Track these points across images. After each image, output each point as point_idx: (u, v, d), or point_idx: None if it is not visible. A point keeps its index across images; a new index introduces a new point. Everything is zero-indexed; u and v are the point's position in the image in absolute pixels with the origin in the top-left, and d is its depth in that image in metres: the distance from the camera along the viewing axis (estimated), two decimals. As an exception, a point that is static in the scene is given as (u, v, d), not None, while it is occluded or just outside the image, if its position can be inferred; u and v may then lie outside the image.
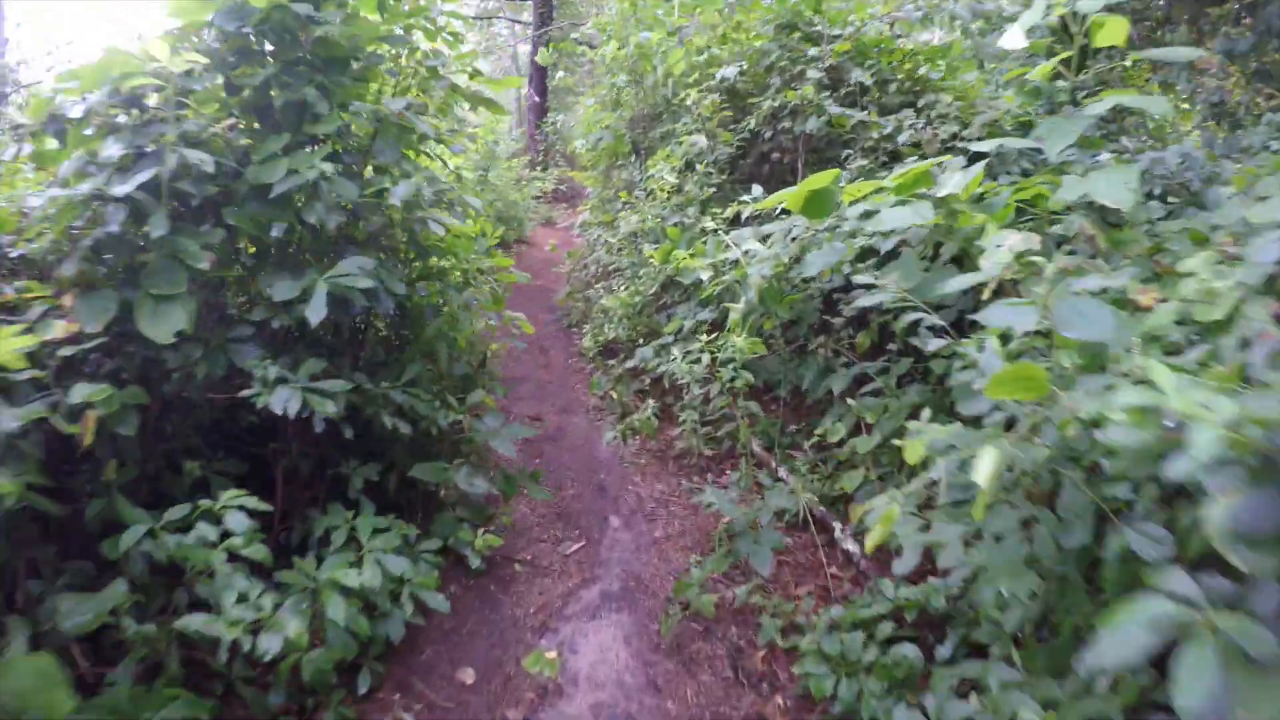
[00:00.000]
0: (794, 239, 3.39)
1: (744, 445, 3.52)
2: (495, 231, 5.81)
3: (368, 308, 2.60)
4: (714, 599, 3.18)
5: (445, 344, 3.05)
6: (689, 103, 5.74)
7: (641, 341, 5.38)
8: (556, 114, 12.18)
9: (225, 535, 2.28)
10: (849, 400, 3.74)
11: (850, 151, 4.95)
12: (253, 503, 2.34)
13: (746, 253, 3.75)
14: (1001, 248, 2.88)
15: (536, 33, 14.67)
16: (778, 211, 4.45)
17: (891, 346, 3.91)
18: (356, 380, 2.82)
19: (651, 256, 4.54)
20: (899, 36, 6.37)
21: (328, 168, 2.36)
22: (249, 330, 2.59)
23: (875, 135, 4.89)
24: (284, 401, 2.32)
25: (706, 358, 3.43)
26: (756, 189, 4.21)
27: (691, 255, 4.25)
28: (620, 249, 6.38)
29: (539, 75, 15.42)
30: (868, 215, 3.14)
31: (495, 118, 11.54)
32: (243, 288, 2.75)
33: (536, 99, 15.51)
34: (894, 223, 2.95)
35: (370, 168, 2.88)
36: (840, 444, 3.79)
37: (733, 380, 3.30)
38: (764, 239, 3.98)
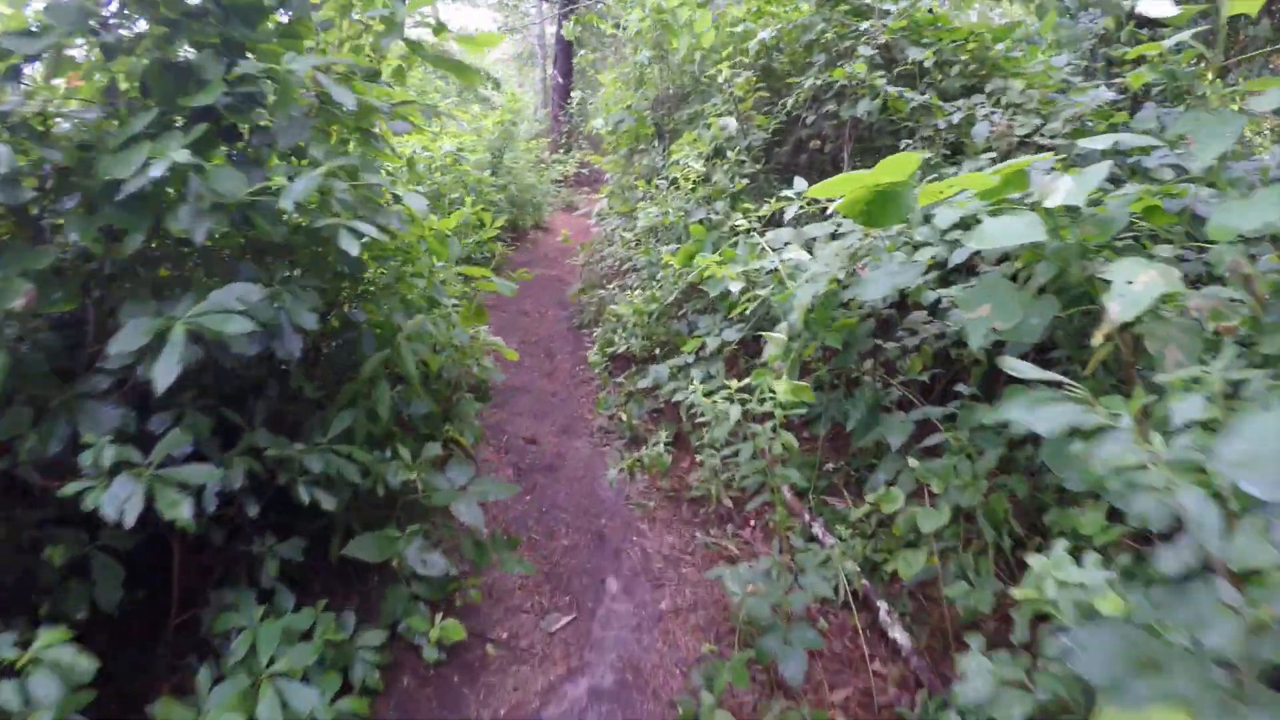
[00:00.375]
0: (849, 248, 2.54)
1: (781, 524, 2.71)
2: (495, 221, 5.03)
3: (266, 351, 1.82)
4: (729, 717, 2.40)
5: (390, 383, 2.26)
6: (720, 80, 4.86)
7: (658, 352, 4.57)
8: (580, 91, 11.28)
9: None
10: (909, 458, 2.90)
11: (909, 141, 4.05)
12: (69, 656, 1.57)
13: (787, 262, 2.91)
14: (1134, 285, 2.03)
15: (562, 10, 13.72)
16: (828, 209, 3.60)
17: (963, 388, 3.06)
18: (261, 442, 2.04)
19: (670, 261, 3.70)
20: (955, 16, 5.43)
21: (182, 155, 1.56)
22: (106, 382, 1.81)
23: (941, 123, 3.99)
24: (119, 503, 1.55)
25: (736, 410, 2.59)
26: (800, 182, 3.36)
27: (719, 261, 3.42)
28: (638, 243, 5.54)
29: (564, 55, 14.49)
30: (965, 225, 2.28)
31: (516, 97, 10.69)
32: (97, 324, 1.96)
33: (560, 79, 14.59)
34: (1001, 238, 2.11)
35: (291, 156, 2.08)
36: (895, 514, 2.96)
37: (771, 442, 2.47)
38: (809, 245, 3.14)
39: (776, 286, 2.90)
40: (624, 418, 4.18)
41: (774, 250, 3.17)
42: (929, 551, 2.84)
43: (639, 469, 3.66)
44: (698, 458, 3.38)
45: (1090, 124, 4.03)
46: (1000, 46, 4.64)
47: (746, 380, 2.59)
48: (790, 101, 4.79)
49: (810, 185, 3.92)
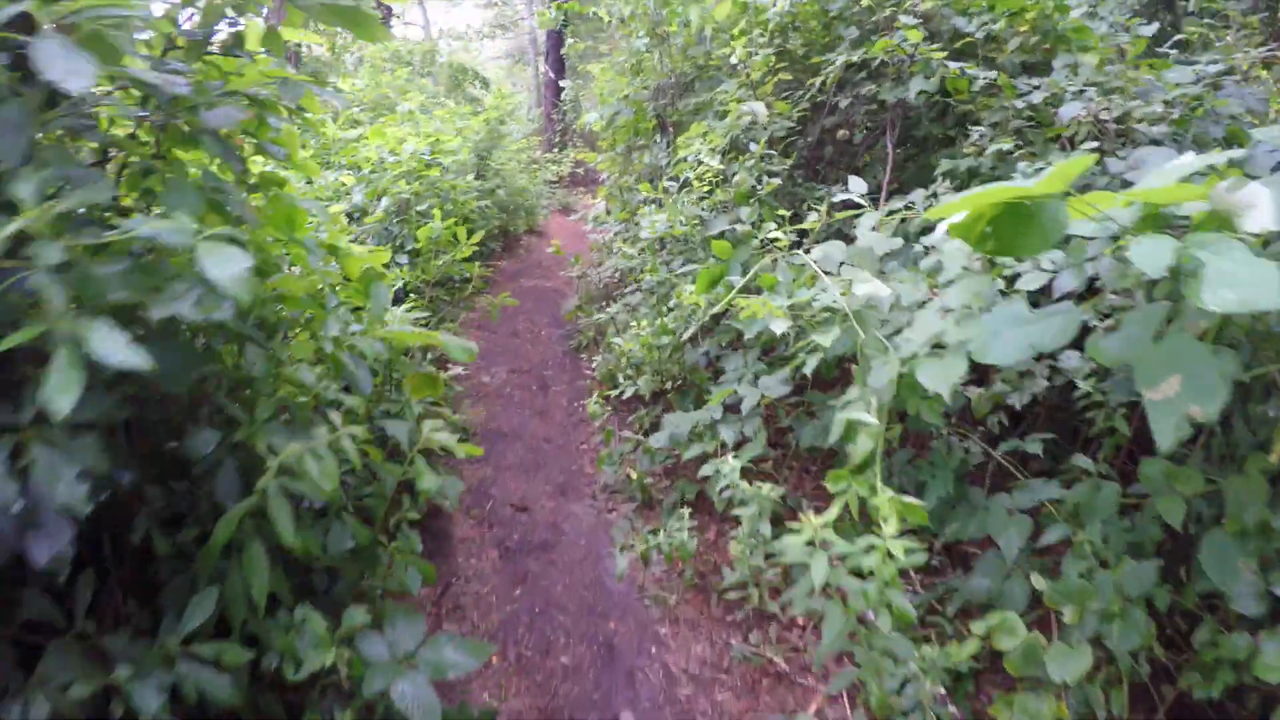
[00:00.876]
0: (968, 290, 1.67)
1: (879, 709, 1.86)
2: (473, 237, 4.16)
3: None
4: None
5: (269, 542, 1.39)
6: (733, 60, 3.97)
7: (669, 386, 3.70)
8: (570, 80, 10.37)
9: None
10: (1028, 570, 2.05)
11: (983, 130, 3.17)
12: None
13: (855, 296, 2.04)
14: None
15: (552, 2, 12.77)
16: (912, 216, 2.71)
17: (1086, 464, 2.20)
18: (54, 671, 1.19)
19: (690, 299, 2.81)
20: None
21: None
22: None
23: (1019, 104, 3.12)
24: None
25: (822, 566, 1.69)
26: (856, 183, 2.49)
27: (753, 288, 2.57)
28: (641, 254, 4.66)
29: (555, 49, 13.55)
30: (1183, 271, 1.40)
31: (503, 94, 9.78)
32: None
33: (552, 75, 13.67)
34: (1253, 295, 1.25)
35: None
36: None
37: (875, 608, 1.61)
38: (874, 267, 2.27)
39: (843, 327, 2.03)
40: (632, 475, 3.32)
41: (826, 273, 2.30)
42: (1057, 699, 2.00)
43: (655, 552, 2.80)
44: (732, 549, 2.52)
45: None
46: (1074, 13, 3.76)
47: (828, 513, 1.72)
48: (819, 83, 3.90)
49: (841, 183, 3.09)
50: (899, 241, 2.42)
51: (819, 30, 4.51)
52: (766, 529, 2.15)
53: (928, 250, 2.28)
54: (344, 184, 4.64)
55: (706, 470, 2.52)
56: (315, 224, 2.29)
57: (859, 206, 2.69)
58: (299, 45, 10.65)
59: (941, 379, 1.50)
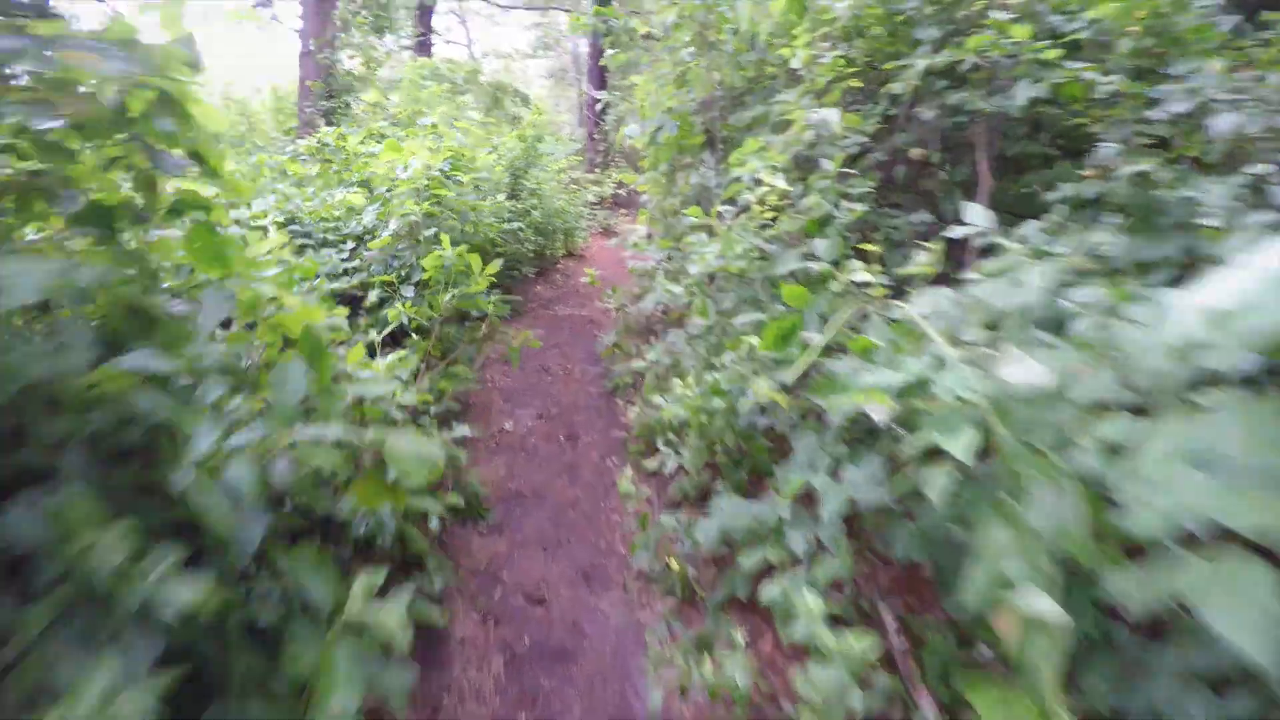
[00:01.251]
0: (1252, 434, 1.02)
1: None
2: (488, 267, 3.61)
3: None
4: None
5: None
6: (794, 64, 3.39)
7: (718, 453, 3.09)
8: (609, 94, 9.85)
9: None
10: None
11: (1115, 146, 2.52)
12: None
13: (987, 374, 1.42)
14: None
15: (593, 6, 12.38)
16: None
17: None
18: None
19: (760, 390, 2.20)
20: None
21: None
22: None
23: (1157, 115, 2.47)
24: None
25: None
26: (975, 211, 1.85)
27: (834, 345, 1.95)
28: (689, 288, 4.07)
29: (595, 64, 13.18)
30: None
31: (540, 109, 9.35)
32: None
33: (594, 95, 13.27)
34: None
35: None
36: None
37: None
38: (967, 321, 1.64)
39: (972, 421, 1.40)
40: (673, 565, 2.71)
41: (933, 334, 1.68)
42: None
43: (697, 677, 2.18)
44: (798, 689, 1.88)
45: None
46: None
47: None
48: (895, 91, 3.28)
49: (918, 210, 2.44)
50: (1031, 294, 1.78)
51: (885, 37, 3.91)
52: (857, 699, 1.53)
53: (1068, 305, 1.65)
54: (352, 204, 4.18)
55: (772, 591, 1.91)
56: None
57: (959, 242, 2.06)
58: (331, 59, 10.39)
59: (1245, 623, 0.85)
